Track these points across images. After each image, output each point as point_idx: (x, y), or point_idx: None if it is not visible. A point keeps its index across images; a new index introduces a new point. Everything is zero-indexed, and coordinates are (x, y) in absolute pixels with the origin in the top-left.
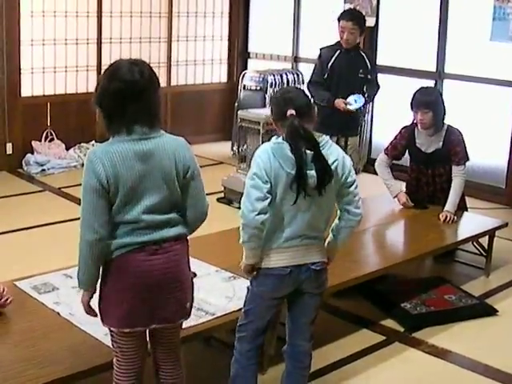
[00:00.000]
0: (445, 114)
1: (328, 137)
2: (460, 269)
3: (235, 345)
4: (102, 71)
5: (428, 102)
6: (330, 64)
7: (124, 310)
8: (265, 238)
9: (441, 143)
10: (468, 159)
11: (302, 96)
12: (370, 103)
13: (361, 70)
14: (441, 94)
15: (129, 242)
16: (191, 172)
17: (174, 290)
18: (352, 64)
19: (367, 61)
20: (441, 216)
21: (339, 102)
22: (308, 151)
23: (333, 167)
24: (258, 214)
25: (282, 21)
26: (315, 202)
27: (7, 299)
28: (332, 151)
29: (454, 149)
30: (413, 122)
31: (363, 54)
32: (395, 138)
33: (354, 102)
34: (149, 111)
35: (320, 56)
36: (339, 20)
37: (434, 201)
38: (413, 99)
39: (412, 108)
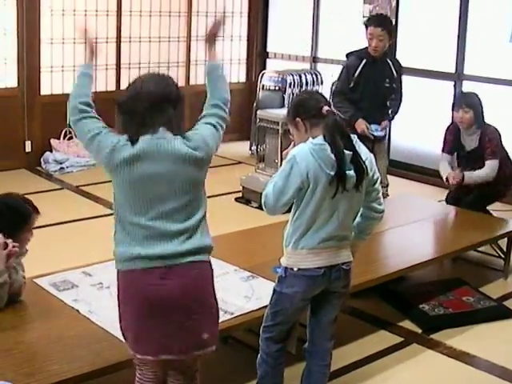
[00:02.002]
0: (483, 118)
1: (356, 136)
2: (478, 271)
3: (261, 345)
4: (122, 69)
5: (470, 102)
6: (356, 74)
7: (132, 335)
8: (299, 239)
9: (477, 142)
10: (497, 157)
11: (326, 98)
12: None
13: (387, 80)
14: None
15: (139, 255)
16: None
17: (187, 318)
18: (378, 74)
19: (393, 69)
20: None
21: (360, 124)
22: (346, 151)
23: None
24: (279, 209)
25: (301, 21)
26: (349, 202)
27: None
28: (362, 149)
29: (486, 145)
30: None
31: (390, 63)
32: (444, 134)
33: (375, 130)
34: (180, 121)
35: (346, 64)
36: (367, 26)
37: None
38: (456, 98)
39: (453, 107)
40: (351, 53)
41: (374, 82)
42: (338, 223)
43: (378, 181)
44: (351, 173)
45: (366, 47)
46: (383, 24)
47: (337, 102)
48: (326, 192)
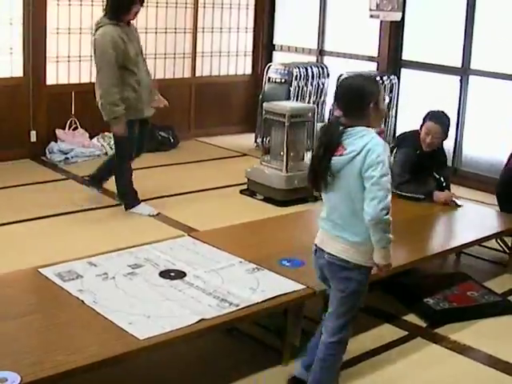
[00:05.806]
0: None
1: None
2: (483, 266)
3: (345, 334)
4: None
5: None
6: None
7: None
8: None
9: None
10: None
11: None
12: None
13: (434, 168)
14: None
15: None
16: None
17: None
18: (429, 165)
19: (441, 157)
20: None
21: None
22: None
23: (351, 156)
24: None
25: (308, 13)
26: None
27: None
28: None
29: None
30: None
31: (440, 153)
32: None
33: None
34: None
35: (405, 153)
36: (424, 120)
37: None
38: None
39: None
40: (403, 138)
41: (422, 172)
42: (330, 204)
43: (372, 180)
44: None
45: (418, 137)
46: (444, 124)
47: (402, 189)
48: None
